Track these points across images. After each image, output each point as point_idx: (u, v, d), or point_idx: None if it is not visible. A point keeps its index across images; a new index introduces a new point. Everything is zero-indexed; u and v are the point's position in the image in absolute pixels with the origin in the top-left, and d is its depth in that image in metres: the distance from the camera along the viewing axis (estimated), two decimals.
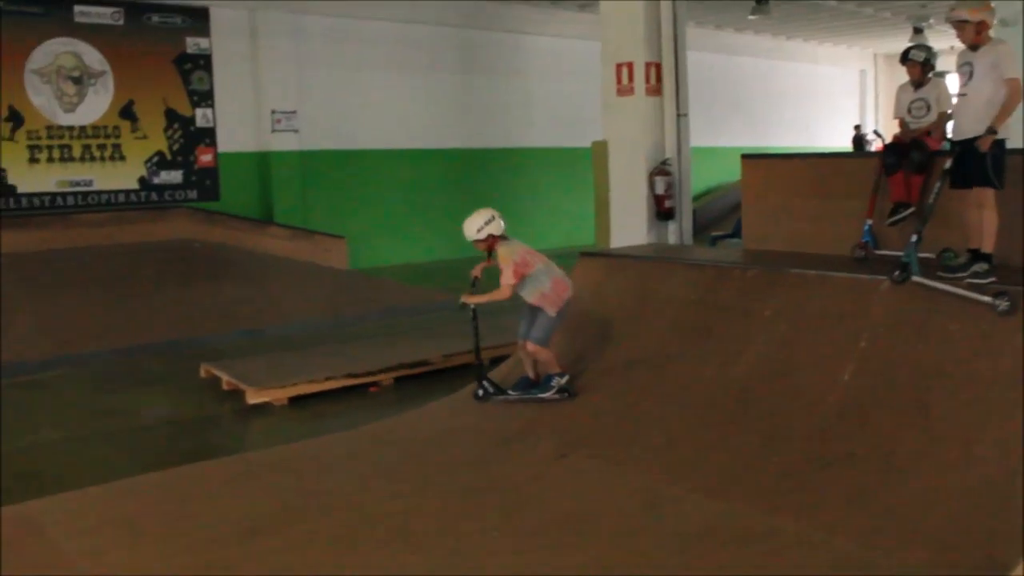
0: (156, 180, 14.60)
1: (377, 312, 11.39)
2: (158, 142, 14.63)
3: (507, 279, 6.45)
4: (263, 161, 15.50)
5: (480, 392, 6.78)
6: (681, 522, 4.62)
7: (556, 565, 4.19)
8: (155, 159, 14.60)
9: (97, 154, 14.09)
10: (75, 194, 13.85)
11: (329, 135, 16.16)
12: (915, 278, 5.66)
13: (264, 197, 15.48)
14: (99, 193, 14.05)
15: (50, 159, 13.66)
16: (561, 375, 6.63)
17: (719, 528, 4.51)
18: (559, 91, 19.00)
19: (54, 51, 13.63)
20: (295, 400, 7.41)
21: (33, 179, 13.49)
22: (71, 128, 13.84)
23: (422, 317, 11.23)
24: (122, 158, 14.31)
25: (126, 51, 14.17)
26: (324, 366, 7.98)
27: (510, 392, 6.76)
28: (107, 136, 14.16)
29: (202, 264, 12.51)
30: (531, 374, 6.83)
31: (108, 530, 4.87)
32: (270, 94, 15.40)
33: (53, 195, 13.67)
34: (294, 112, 15.58)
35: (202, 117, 15.03)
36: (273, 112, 15.42)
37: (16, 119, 13.38)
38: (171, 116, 14.73)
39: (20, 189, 13.38)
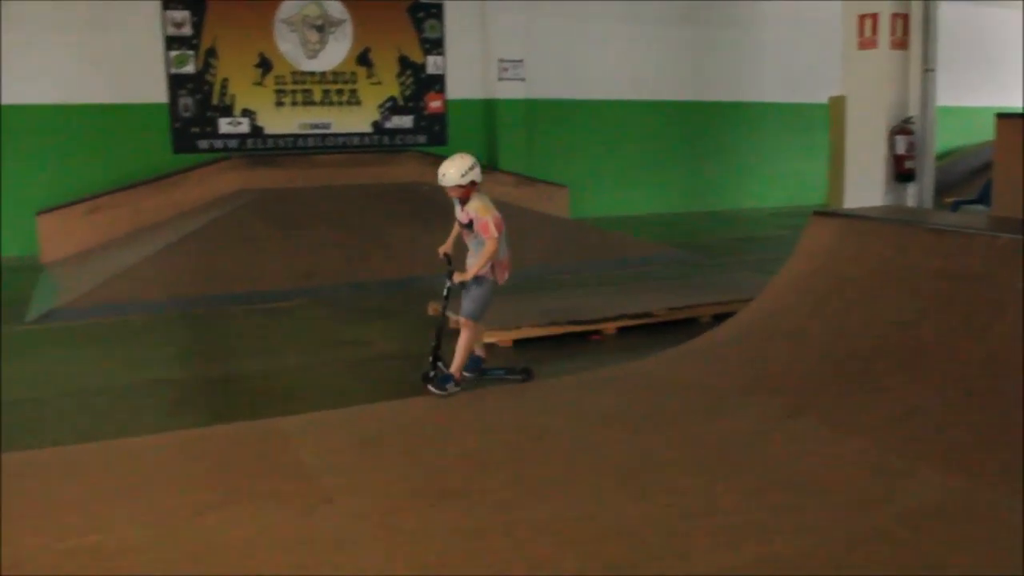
0: (388, 124, 15.26)
1: (609, 261, 11.44)
2: (391, 88, 15.25)
3: (491, 232, 6.03)
4: (489, 108, 15.86)
5: (432, 373, 6.24)
6: (912, 496, 4.44)
7: (781, 530, 4.14)
8: (388, 104, 15.24)
9: (335, 99, 14.86)
10: (315, 136, 14.73)
11: (555, 84, 16.32)
12: None
13: (490, 144, 15.85)
14: (336, 135, 14.87)
15: (294, 103, 14.55)
16: (474, 361, 6.34)
17: (951, 504, 4.31)
18: (793, 43, 18.29)
19: (300, 2, 14.42)
20: (519, 343, 7.59)
21: (279, 121, 14.45)
22: (312, 74, 14.66)
23: (640, 270, 11.24)
24: (358, 103, 15.04)
25: (364, 1, 14.81)
26: (548, 312, 8.11)
27: (466, 373, 6.34)
28: (345, 82, 14.90)
29: (430, 207, 12.96)
30: (480, 352, 6.47)
31: (350, 449, 5.22)
32: (498, 43, 15.71)
33: (295, 136, 14.59)
34: (521, 61, 15.82)
35: (432, 64, 15.52)
36: (500, 60, 15.72)
37: (265, 65, 14.31)
38: (404, 63, 15.30)
39: (267, 130, 14.37)
